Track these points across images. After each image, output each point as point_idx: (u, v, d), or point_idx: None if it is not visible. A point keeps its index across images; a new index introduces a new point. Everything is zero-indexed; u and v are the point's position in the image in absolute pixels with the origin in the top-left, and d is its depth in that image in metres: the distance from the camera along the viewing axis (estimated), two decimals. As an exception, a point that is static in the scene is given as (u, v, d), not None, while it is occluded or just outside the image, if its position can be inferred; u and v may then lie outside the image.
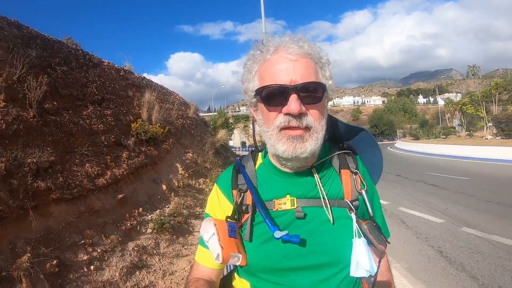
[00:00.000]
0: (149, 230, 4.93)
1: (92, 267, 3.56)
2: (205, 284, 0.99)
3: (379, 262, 0.96)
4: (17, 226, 3.34)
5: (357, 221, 0.93)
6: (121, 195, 5.02)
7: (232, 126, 38.19)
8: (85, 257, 3.61)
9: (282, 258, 0.91)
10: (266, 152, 1.06)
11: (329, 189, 0.97)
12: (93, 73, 7.72)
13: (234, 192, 1.01)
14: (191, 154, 10.17)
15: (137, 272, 3.92)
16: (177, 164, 8.50)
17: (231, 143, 38.67)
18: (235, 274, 1.06)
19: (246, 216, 0.97)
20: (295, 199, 0.94)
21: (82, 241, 3.78)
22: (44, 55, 6.18)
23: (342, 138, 1.11)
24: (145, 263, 4.17)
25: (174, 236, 5.17)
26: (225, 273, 1.16)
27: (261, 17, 13.61)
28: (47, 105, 5.06)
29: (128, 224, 4.67)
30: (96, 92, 7.07)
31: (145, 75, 12.14)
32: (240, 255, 0.93)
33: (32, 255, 3.15)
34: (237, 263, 0.94)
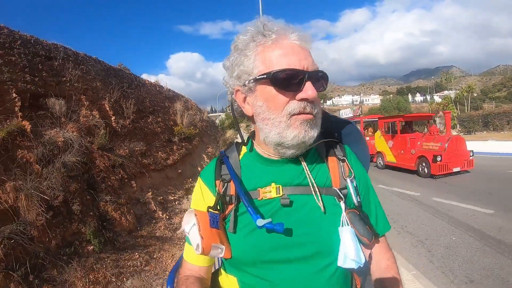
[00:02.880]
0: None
1: (176, 202, 6.86)
2: (195, 282, 0.96)
3: (370, 256, 0.95)
4: (141, 180, 6.62)
5: (345, 210, 0.90)
6: (179, 171, 8.33)
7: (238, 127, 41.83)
8: (172, 198, 6.91)
9: (268, 249, 0.87)
10: (252, 143, 1.03)
11: (316, 176, 0.94)
12: (143, 91, 11.02)
13: (217, 182, 0.98)
14: (210, 149, 13.46)
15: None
16: (203, 155, 11.80)
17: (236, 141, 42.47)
18: (222, 270, 1.03)
19: (230, 207, 0.94)
20: (280, 186, 0.91)
21: (168, 191, 7.07)
22: (118, 81, 9.49)
23: (329, 130, 1.06)
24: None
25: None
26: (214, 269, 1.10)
27: (259, 16, 16.49)
28: (132, 116, 8.30)
29: (186, 186, 7.96)
30: (149, 105, 10.34)
31: (144, 75, 15.25)
32: (223, 247, 0.89)
33: (151, 194, 6.41)
34: (220, 255, 0.90)
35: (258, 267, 0.88)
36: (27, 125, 4.74)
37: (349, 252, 0.83)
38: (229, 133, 21.70)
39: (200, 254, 0.87)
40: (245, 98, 0.94)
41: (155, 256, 4.54)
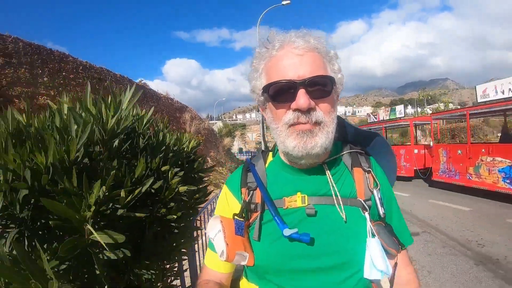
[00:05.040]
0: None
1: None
2: (215, 286, 0.96)
3: (395, 266, 0.93)
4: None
5: (370, 221, 0.88)
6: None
7: (234, 135, 44.23)
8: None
9: (291, 258, 0.86)
10: (276, 151, 1.02)
11: (341, 187, 0.92)
12: (161, 103, 13.39)
13: (243, 190, 0.97)
14: (213, 153, 15.80)
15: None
16: (208, 158, 14.13)
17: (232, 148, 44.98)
18: (244, 278, 1.01)
19: (254, 215, 0.93)
20: (306, 196, 0.89)
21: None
22: (144, 96, 11.88)
23: (351, 142, 1.05)
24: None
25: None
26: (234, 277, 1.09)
27: (256, 25, 17.42)
28: (155, 124, 10.64)
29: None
30: (167, 115, 12.69)
31: (140, 79, 16.35)
32: (247, 254, 0.88)
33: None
34: (244, 263, 0.89)
35: (281, 276, 0.87)
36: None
37: (378, 262, 0.82)
38: (226, 140, 24.26)
39: (225, 260, 0.86)
40: (264, 110, 0.96)
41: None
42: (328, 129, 0.85)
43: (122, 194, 0.85)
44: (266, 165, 1.01)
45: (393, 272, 0.91)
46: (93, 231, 0.72)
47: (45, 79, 6.88)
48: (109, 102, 1.05)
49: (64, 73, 7.58)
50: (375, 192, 0.91)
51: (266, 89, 0.86)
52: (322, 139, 0.84)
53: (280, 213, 0.88)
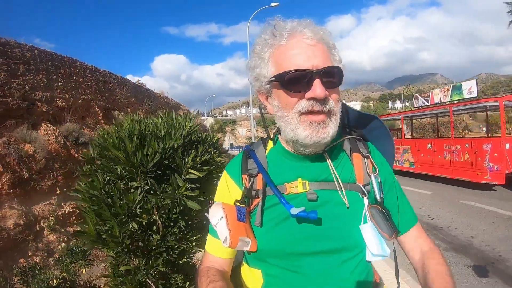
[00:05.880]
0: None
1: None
2: (217, 273, 0.96)
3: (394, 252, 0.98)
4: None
5: (368, 206, 0.91)
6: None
7: (225, 131, 45.24)
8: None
9: (294, 241, 0.88)
10: (277, 138, 1.04)
11: (341, 173, 0.95)
12: (157, 102, 14.19)
13: (244, 176, 0.99)
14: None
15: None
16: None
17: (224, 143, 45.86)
18: (245, 264, 1.03)
19: (256, 201, 0.95)
20: (307, 182, 0.92)
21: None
22: (142, 96, 12.67)
23: (352, 126, 1.09)
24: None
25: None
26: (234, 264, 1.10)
27: (246, 20, 18.39)
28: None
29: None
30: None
31: (129, 76, 17.94)
32: (250, 240, 0.90)
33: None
34: (246, 248, 0.91)
35: (284, 259, 0.89)
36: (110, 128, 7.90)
37: (372, 248, 0.85)
38: (219, 135, 25.24)
39: (228, 247, 0.88)
40: (266, 98, 0.96)
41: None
42: (337, 118, 0.89)
43: (198, 159, 1.76)
44: (267, 152, 1.03)
45: (394, 251, 0.96)
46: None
47: (59, 83, 7.66)
48: (184, 117, 1.96)
49: (74, 77, 8.35)
50: (372, 177, 0.94)
51: (281, 77, 0.85)
52: (333, 128, 0.88)
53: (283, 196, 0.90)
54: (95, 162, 1.90)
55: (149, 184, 1.65)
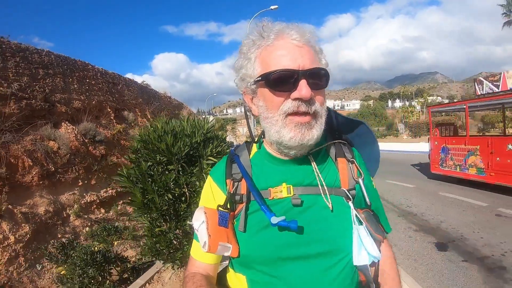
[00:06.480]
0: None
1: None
2: (202, 279, 0.95)
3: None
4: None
5: (355, 209, 0.91)
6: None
7: (225, 129, 46.00)
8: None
9: (278, 246, 0.87)
10: (261, 142, 1.03)
11: (325, 177, 0.94)
12: (162, 102, 14.88)
13: (228, 181, 0.98)
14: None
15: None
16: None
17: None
18: (230, 269, 1.02)
19: (240, 206, 0.94)
20: (291, 186, 0.91)
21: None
22: (148, 96, 13.37)
23: (338, 130, 1.08)
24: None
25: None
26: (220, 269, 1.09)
27: (245, 19, 19.00)
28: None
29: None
30: (168, 113, 14.20)
31: (129, 75, 18.99)
32: (230, 246, 0.89)
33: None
34: (227, 254, 0.90)
35: (268, 265, 0.87)
36: (122, 127, 8.58)
37: (370, 248, 0.85)
38: (220, 134, 25.94)
39: (207, 252, 0.87)
40: (252, 99, 0.95)
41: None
42: (322, 120, 0.88)
43: (214, 150, 2.47)
44: (251, 156, 1.01)
45: (379, 259, 0.92)
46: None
47: (75, 86, 8.36)
48: (202, 119, 2.67)
49: (87, 80, 9.04)
50: (360, 181, 0.94)
51: (266, 77, 0.84)
52: (318, 131, 0.87)
53: (266, 203, 0.88)
54: (137, 153, 2.63)
55: (181, 167, 2.36)
